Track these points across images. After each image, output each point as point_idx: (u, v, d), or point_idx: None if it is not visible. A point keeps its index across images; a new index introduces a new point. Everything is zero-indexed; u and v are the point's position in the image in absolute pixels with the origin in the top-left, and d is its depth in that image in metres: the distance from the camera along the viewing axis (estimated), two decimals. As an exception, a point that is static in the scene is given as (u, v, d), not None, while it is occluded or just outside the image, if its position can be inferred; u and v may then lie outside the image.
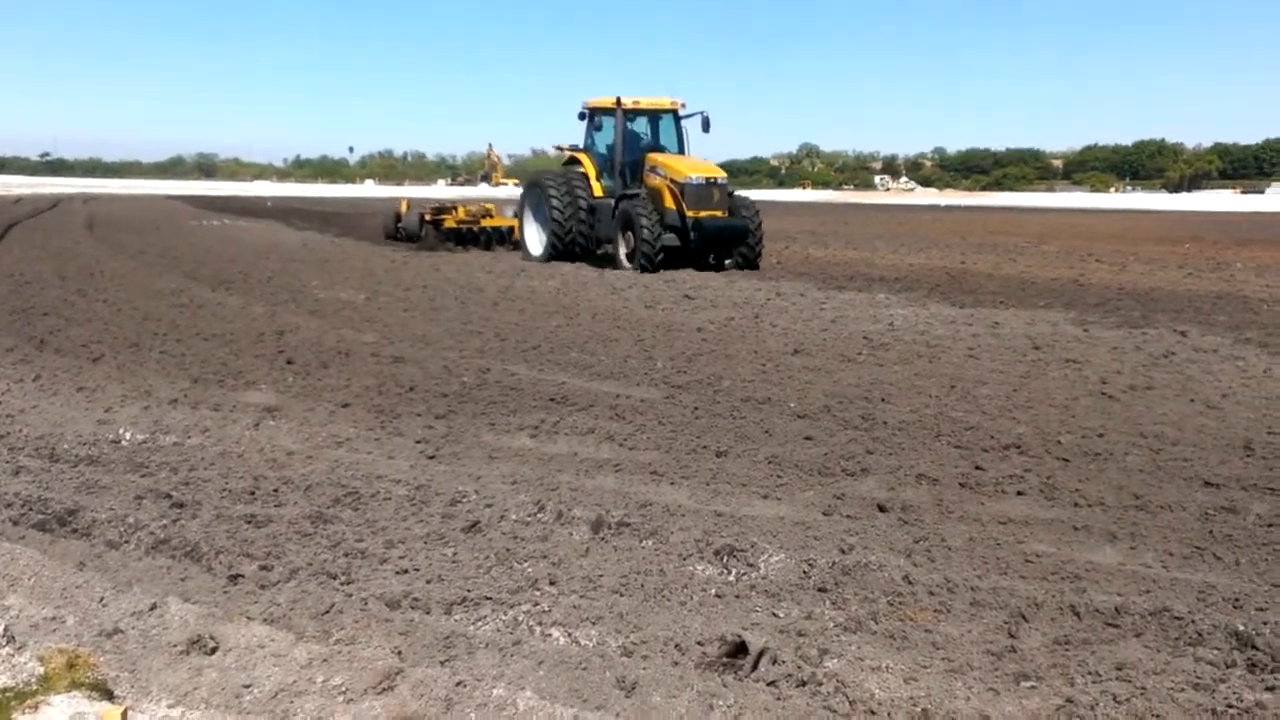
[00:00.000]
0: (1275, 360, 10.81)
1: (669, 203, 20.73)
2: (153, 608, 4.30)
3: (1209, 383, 9.63)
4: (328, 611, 4.43)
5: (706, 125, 22.41)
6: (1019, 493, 6.30)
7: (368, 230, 33.59)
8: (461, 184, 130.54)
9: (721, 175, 21.31)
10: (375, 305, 14.82)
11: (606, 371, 9.96)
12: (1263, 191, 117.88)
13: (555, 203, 21.86)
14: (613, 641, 4.25)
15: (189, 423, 7.80)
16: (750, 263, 21.50)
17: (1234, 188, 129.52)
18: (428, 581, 4.84)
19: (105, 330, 12.17)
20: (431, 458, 7.03)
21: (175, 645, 4.00)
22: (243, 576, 4.89)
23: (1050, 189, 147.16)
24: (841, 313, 14.42)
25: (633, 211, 20.55)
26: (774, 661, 3.96)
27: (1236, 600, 4.64)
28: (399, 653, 4.04)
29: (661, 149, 22.49)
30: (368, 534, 5.48)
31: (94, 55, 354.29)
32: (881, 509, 6.00)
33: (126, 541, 5.38)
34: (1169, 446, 7.33)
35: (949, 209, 72.82)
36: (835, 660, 4.07)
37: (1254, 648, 4.16)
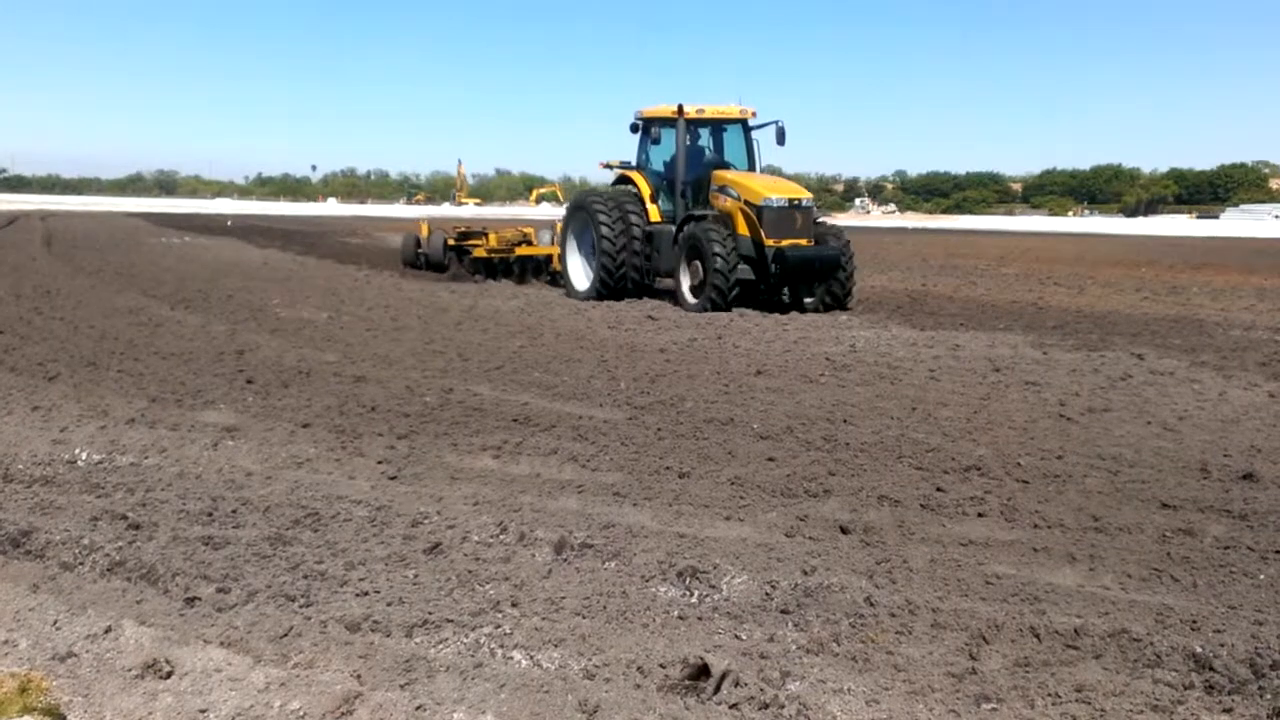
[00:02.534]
0: (1230, 383, 10.97)
1: (742, 229, 17.69)
2: (107, 631, 4.24)
3: (1166, 405, 9.75)
4: (286, 634, 4.38)
5: (781, 137, 19.53)
6: (980, 514, 6.33)
7: (330, 248, 33.44)
8: (419, 203, 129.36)
9: (806, 196, 18.15)
10: (337, 324, 14.73)
11: (570, 392, 9.94)
12: (1217, 216, 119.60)
13: (605, 229, 18.74)
14: (575, 664, 4.23)
15: (146, 443, 7.71)
16: (839, 301, 18.08)
17: (1189, 212, 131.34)
18: (388, 604, 4.80)
19: (62, 349, 12.02)
20: (393, 478, 6.98)
21: (130, 669, 3.95)
22: (199, 599, 4.83)
23: (1010, 212, 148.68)
24: (804, 334, 14.50)
25: (702, 236, 17.42)
26: (736, 684, 3.95)
27: (1194, 622, 4.69)
28: (358, 676, 4.00)
29: (727, 165, 19.51)
30: (327, 556, 5.43)
31: (53, 70, 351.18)
32: (844, 530, 6.02)
33: (81, 563, 5.30)
34: (1127, 468, 7.41)
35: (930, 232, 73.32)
36: (797, 683, 4.07)
37: (1211, 669, 4.20)
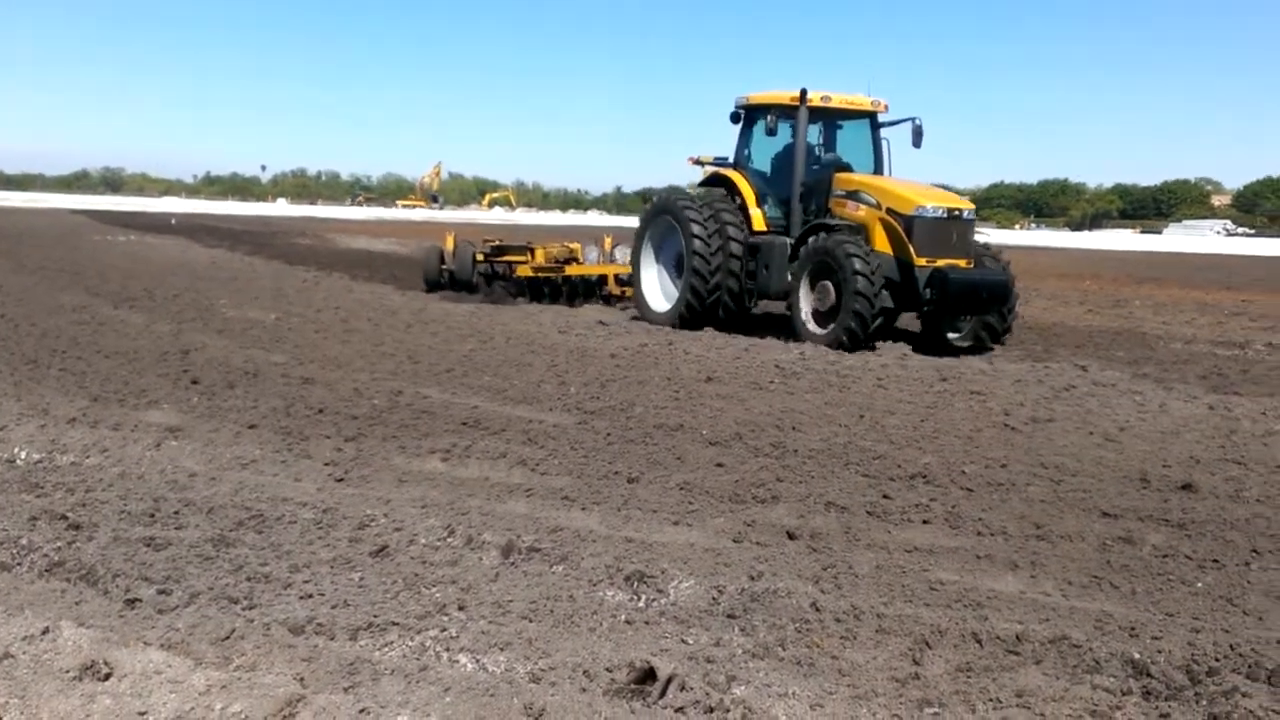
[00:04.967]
0: (1171, 395, 11.16)
1: (881, 244, 14.30)
2: (45, 632, 4.17)
3: (1107, 416, 9.90)
4: (228, 637, 4.33)
5: (919, 138, 15.90)
6: (925, 521, 6.40)
7: (279, 249, 33.10)
8: (360, 204, 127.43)
9: (968, 207, 14.65)
10: (285, 325, 14.57)
11: (519, 396, 9.91)
12: (1160, 232, 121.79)
13: (698, 237, 15.23)
14: (521, 668, 4.22)
15: (87, 442, 7.59)
16: (997, 337, 14.76)
17: (1133, 227, 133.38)
18: (333, 606, 4.76)
19: (2, 346, 11.79)
20: (340, 480, 6.92)
21: (68, 671, 3.88)
22: (140, 600, 4.76)
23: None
24: (754, 341, 14.51)
25: (838, 252, 13.73)
26: (682, 688, 3.96)
27: (1133, 629, 4.76)
28: (301, 679, 3.96)
29: (848, 167, 15.85)
30: (272, 558, 5.37)
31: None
32: (791, 536, 6.05)
33: (19, 564, 5.21)
34: (1069, 478, 7.51)
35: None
36: (743, 687, 4.09)
37: (1149, 675, 4.27)
